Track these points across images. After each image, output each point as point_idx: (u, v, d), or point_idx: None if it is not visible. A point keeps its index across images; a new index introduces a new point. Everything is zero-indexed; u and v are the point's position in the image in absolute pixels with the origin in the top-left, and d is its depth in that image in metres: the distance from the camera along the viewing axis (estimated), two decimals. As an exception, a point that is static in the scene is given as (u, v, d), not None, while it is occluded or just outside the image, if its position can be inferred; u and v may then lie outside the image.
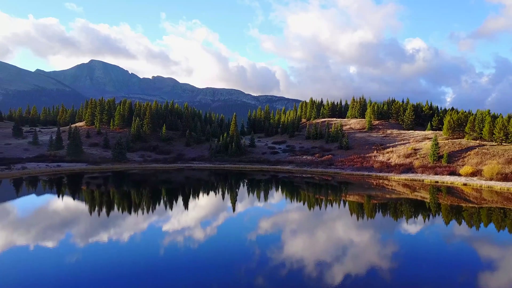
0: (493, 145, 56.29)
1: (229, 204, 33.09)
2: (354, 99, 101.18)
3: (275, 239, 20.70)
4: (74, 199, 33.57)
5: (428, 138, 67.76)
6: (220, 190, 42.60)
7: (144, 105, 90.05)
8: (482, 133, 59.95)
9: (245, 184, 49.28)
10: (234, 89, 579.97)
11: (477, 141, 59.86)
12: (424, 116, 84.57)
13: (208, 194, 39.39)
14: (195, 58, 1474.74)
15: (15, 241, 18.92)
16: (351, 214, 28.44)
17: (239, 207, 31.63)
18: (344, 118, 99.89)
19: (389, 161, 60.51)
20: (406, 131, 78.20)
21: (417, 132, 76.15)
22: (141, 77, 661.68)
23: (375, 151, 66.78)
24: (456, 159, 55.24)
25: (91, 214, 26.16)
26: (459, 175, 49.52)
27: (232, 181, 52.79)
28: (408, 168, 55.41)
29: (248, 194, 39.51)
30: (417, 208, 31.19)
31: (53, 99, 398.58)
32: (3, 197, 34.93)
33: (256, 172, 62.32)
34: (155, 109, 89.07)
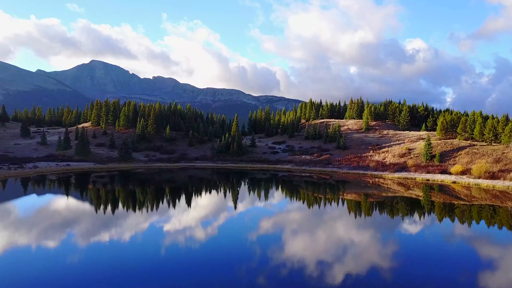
0: (483, 145, 58.97)
1: (231, 202, 34.38)
2: (352, 101, 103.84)
3: (275, 237, 21.33)
4: (83, 197, 35.51)
5: (422, 139, 70.44)
6: (222, 188, 44.53)
7: (148, 106, 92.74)
8: (473, 134, 62.64)
9: (246, 183, 51.54)
10: (235, 89, 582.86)
11: (468, 141, 62.56)
12: (420, 117, 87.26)
13: (210, 192, 41.15)
14: (195, 59, 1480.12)
15: (21, 238, 19.84)
16: (349, 213, 29.29)
17: (241, 205, 32.71)
18: (343, 119, 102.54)
19: (384, 160, 63.20)
20: (402, 132, 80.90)
21: (412, 132, 78.86)
22: (142, 77, 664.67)
23: (371, 151, 69.47)
24: (448, 158, 57.92)
25: (96, 212, 27.68)
26: (450, 173, 52.17)
27: (234, 179, 55.17)
28: (402, 167, 58.10)
29: (249, 193, 41.16)
30: (412, 206, 32.51)
31: (54, 100, 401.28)
32: (21, 194, 37.63)
33: (257, 171, 64.96)
34: (159, 110, 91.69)
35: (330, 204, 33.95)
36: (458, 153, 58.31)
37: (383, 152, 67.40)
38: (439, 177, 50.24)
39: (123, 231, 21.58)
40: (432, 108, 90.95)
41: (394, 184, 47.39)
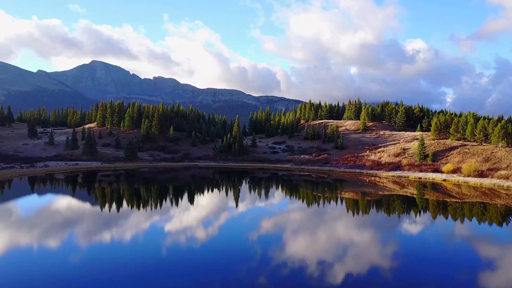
0: (474, 145, 61.68)
1: (232, 200, 35.56)
2: (350, 102, 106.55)
3: (276, 236, 21.91)
4: (91, 194, 37.50)
5: (416, 139, 73.10)
6: (224, 187, 46.49)
7: (152, 107, 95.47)
8: (465, 134, 65.34)
9: (247, 182, 53.78)
10: (235, 90, 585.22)
11: (460, 142, 65.27)
12: (415, 118, 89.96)
13: (213, 191, 42.76)
14: (196, 59, 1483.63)
15: (29, 234, 20.93)
16: (348, 211, 30.13)
17: (242, 203, 33.74)
18: (341, 119, 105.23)
19: (380, 160, 65.90)
20: (398, 132, 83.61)
21: (407, 133, 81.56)
22: (142, 78, 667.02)
23: (368, 151, 72.18)
24: (440, 158, 60.61)
25: (102, 210, 28.89)
26: (442, 172, 54.88)
27: (236, 178, 57.53)
28: (396, 166, 60.81)
29: (250, 191, 42.61)
30: (409, 204, 33.77)
31: (55, 100, 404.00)
32: (38, 191, 40.34)
33: (258, 170, 67.59)
34: (162, 111, 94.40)
35: (329, 202, 34.97)
36: (450, 153, 61.01)
37: (379, 152, 70.10)
38: (430, 176, 52.97)
39: (127, 230, 22.12)
40: (428, 109, 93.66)
41: (390, 182, 49.93)
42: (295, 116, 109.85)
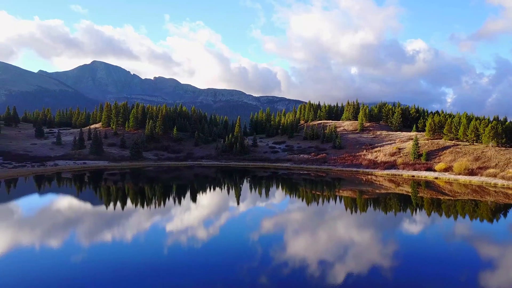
0: (466, 145, 64.36)
1: (234, 198, 36.68)
2: (348, 103, 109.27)
3: (277, 234, 22.54)
4: (98, 191, 39.76)
5: (411, 139, 75.72)
6: (226, 185, 48.54)
7: (156, 108, 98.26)
8: (458, 135, 68.02)
9: (249, 181, 56.05)
10: (236, 90, 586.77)
11: (453, 141, 67.96)
12: (411, 119, 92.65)
13: (215, 189, 44.41)
14: (197, 59, 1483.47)
15: (35, 230, 22.30)
16: (346, 209, 31.04)
17: (243, 202, 34.75)
18: (340, 120, 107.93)
19: (376, 159, 68.58)
20: (394, 132, 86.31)
21: (403, 133, 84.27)
22: (143, 78, 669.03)
23: (365, 150, 74.86)
24: (434, 157, 63.30)
25: (107, 208, 29.99)
26: (434, 170, 57.55)
27: (237, 177, 59.92)
28: (391, 165, 63.51)
29: (251, 190, 44.39)
30: (405, 202, 35.11)
31: (56, 100, 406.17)
32: (50, 188, 43.00)
33: (259, 169, 70.23)
34: (166, 112, 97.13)
35: (328, 201, 36.00)
36: (443, 152, 63.70)
37: (376, 152, 72.79)
38: (423, 174, 55.69)
39: (131, 229, 22.65)
40: (424, 110, 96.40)
41: (385, 181, 52.46)
42: (295, 116, 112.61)
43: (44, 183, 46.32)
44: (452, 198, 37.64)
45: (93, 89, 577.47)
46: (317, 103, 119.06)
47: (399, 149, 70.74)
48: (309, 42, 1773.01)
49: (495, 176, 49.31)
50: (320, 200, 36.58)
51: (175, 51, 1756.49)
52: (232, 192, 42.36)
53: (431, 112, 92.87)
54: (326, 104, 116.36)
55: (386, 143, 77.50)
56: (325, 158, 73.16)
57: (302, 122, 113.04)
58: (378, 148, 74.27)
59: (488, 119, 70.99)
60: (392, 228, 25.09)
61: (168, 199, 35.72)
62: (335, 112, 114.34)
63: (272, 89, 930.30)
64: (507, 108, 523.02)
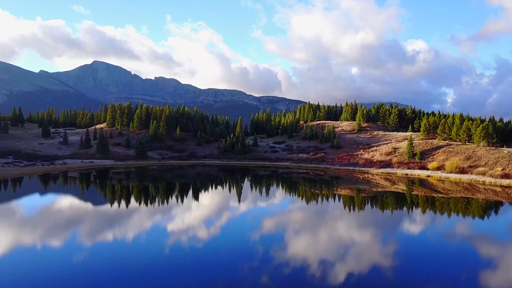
0: (458, 145, 67.02)
1: (235, 197, 37.53)
2: (347, 103, 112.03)
3: (277, 233, 22.93)
4: (104, 189, 41.58)
5: (407, 139, 78.38)
6: (228, 184, 50.28)
7: (160, 109, 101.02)
8: (451, 135, 70.69)
9: (249, 179, 57.96)
10: (236, 90, 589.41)
11: (446, 141, 70.63)
12: (408, 119, 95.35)
13: (217, 188, 45.74)
14: (198, 59, 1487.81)
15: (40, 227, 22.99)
16: (345, 208, 31.73)
17: (244, 200, 35.36)
18: (338, 120, 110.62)
19: (373, 158, 71.24)
20: (390, 133, 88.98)
21: (399, 133, 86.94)
22: (144, 78, 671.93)
23: (362, 150, 77.54)
24: (427, 156, 65.96)
25: (111, 206, 30.86)
26: (427, 169, 60.18)
27: (238, 176, 61.94)
28: (387, 164, 66.18)
29: (252, 188, 45.49)
30: (401, 200, 36.23)
31: (56, 100, 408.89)
32: (63, 185, 45.63)
33: (259, 168, 72.77)
34: (169, 112, 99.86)
35: (327, 200, 36.84)
36: (436, 152, 66.37)
37: (372, 151, 75.45)
38: (416, 172, 58.37)
39: (133, 227, 22.94)
40: (420, 110, 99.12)
41: (381, 179, 54.78)
42: (295, 117, 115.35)
43: (55, 181, 48.64)
44: (445, 196, 39.02)
45: (94, 89, 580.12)
46: (317, 104, 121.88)
47: (395, 148, 73.40)
48: (310, 42, 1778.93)
49: (484, 174, 51.95)
50: (319, 198, 37.65)
51: (176, 51, 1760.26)
52: (234, 190, 43.74)
53: (427, 113, 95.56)
54: (325, 105, 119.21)
55: (383, 143, 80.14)
56: (323, 157, 75.83)
57: (301, 122, 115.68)
58: (375, 148, 76.93)
59: (480, 120, 73.55)
60: (389, 227, 25.73)
61: (171, 197, 36.69)
62: (334, 113, 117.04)
63: (273, 89, 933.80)
64: (507, 108, 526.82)
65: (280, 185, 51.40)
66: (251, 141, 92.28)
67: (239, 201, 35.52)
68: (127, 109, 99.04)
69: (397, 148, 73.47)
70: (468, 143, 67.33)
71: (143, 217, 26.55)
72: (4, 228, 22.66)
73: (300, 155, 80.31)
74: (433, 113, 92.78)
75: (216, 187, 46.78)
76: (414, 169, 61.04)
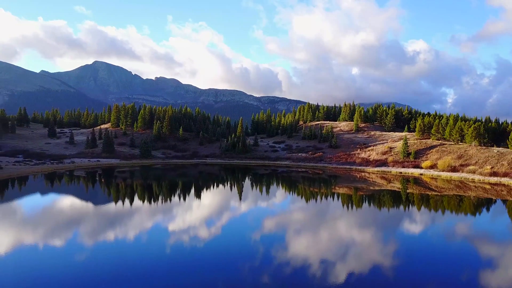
0: (451, 144, 69.67)
1: (236, 194, 38.67)
2: (345, 104, 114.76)
3: (277, 232, 23.31)
4: (111, 186, 43.52)
5: (402, 139, 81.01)
6: (229, 182, 52.27)
7: (163, 109, 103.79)
8: (444, 135, 73.33)
9: (250, 178, 60.07)
10: (237, 90, 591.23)
11: (440, 141, 73.28)
12: (404, 120, 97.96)
13: (218, 186, 47.56)
14: (199, 60, 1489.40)
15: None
16: (343, 206, 32.46)
17: (245, 199, 36.08)
18: (337, 121, 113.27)
19: (369, 157, 73.89)
20: (387, 133, 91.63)
21: (395, 133, 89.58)
22: (144, 78, 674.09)
23: (359, 149, 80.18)
24: (421, 155, 68.60)
25: (116, 204, 31.98)
26: (421, 168, 62.82)
27: (240, 174, 64.36)
28: (382, 163, 68.83)
29: (252, 187, 47.21)
30: (397, 198, 37.41)
31: (58, 100, 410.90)
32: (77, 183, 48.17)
33: (259, 167, 75.34)
34: (172, 113, 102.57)
35: (326, 198, 37.75)
36: (430, 151, 69.02)
37: (369, 151, 78.10)
38: (410, 170, 61.06)
39: (135, 226, 23.23)
40: (415, 111, 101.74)
41: (377, 177, 57.10)
42: (294, 117, 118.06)
43: (64, 178, 51.07)
44: (439, 194, 40.83)
45: (94, 89, 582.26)
46: (316, 105, 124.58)
47: (390, 148, 76.05)
48: (311, 42, 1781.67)
49: (474, 172, 54.57)
50: (318, 197, 38.72)
51: (177, 51, 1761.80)
52: (235, 189, 44.86)
53: (422, 113, 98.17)
54: (325, 106, 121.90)
55: (379, 142, 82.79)
56: (322, 157, 78.49)
57: (301, 122, 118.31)
58: (371, 147, 79.57)
59: (473, 120, 76.18)
60: (387, 225, 26.25)
61: (174, 195, 37.53)
62: (333, 113, 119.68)
63: (273, 90, 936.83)
64: (507, 109, 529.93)
65: (280, 184, 53.15)
66: (252, 141, 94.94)
67: (240, 199, 36.59)
68: (131, 110, 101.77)
69: (393, 147, 76.11)
70: (460, 143, 69.97)
71: (146, 215, 27.04)
72: (11, 225, 23.62)
73: (299, 154, 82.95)
74: (428, 113, 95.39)
75: (217, 186, 48.61)
76: (408, 167, 63.69)
